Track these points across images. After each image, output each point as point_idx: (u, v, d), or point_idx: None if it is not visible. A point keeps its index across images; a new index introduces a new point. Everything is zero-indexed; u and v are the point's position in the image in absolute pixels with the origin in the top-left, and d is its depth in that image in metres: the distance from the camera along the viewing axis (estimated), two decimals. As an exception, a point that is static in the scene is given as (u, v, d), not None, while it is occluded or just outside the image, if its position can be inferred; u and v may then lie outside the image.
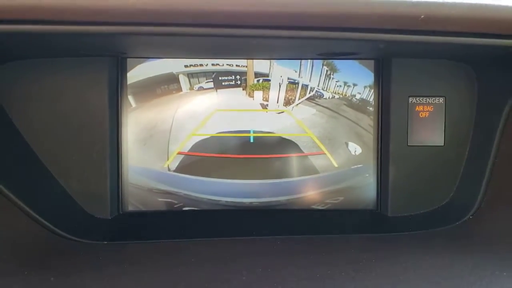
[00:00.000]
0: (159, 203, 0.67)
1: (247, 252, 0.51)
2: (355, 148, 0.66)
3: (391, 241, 0.56)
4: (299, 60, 0.66)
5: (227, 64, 0.66)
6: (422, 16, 0.40)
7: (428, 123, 0.65)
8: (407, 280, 0.43)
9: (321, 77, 0.67)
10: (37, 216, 0.54)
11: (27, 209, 0.54)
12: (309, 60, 0.66)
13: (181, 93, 0.66)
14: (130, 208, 0.66)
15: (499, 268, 0.45)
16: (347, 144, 0.66)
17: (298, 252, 0.51)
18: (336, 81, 0.67)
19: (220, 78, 0.66)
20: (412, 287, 0.42)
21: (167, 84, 0.66)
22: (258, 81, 0.67)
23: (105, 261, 0.49)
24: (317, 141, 0.68)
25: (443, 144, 0.65)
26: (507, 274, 0.44)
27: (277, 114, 0.67)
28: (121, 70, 0.65)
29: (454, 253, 0.50)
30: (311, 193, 0.68)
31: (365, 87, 0.67)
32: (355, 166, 0.67)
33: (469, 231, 0.58)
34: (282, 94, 0.67)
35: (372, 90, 0.67)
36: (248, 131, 0.67)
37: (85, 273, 0.46)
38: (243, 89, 0.67)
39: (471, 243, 0.54)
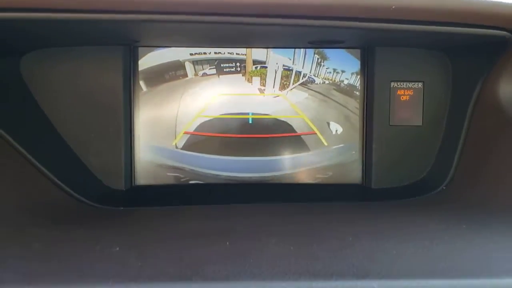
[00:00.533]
0: (168, 177, 0.75)
1: (244, 213, 0.58)
2: (336, 128, 0.74)
3: (372, 206, 0.64)
4: (293, 49, 0.74)
5: (228, 53, 0.74)
6: (393, 7, 0.48)
7: (408, 105, 0.73)
8: (382, 230, 0.51)
9: (313, 65, 0.75)
10: (61, 184, 0.62)
11: (52, 176, 0.62)
12: (302, 49, 0.74)
13: (187, 78, 0.74)
14: (142, 182, 0.74)
15: (458, 223, 0.53)
16: (328, 124, 0.74)
17: (288, 214, 0.58)
18: (326, 68, 0.75)
19: (222, 65, 0.74)
20: (385, 235, 0.50)
21: (174, 71, 0.74)
22: (256, 68, 0.74)
23: (122, 222, 0.57)
24: (309, 122, 0.75)
25: (421, 124, 0.73)
26: (466, 227, 0.52)
27: (273, 98, 0.75)
28: (133, 58, 0.73)
29: (424, 212, 0.58)
30: (303, 169, 0.76)
31: (352, 73, 0.75)
32: (343, 145, 0.75)
33: (441, 198, 0.65)
34: (278, 80, 0.75)
35: (358, 76, 0.75)
36: (247, 113, 0.75)
37: (104, 232, 0.53)
38: (242, 75, 0.74)
39: (441, 206, 0.61)
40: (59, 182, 0.62)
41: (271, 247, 0.44)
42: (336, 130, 0.74)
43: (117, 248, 0.45)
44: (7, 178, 0.58)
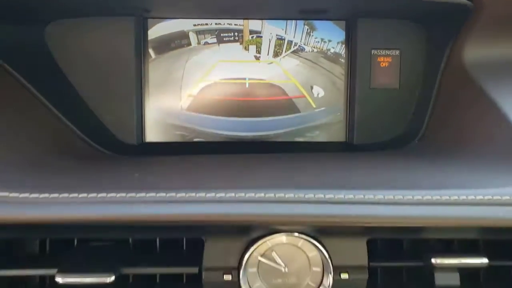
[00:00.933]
0: (174, 135, 0.84)
1: (241, 158, 0.68)
2: (318, 92, 0.83)
3: (353, 155, 0.74)
4: (285, 20, 0.83)
5: (227, 24, 0.83)
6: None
7: (387, 71, 0.83)
8: (357, 166, 0.61)
9: (303, 34, 0.84)
10: (82, 134, 0.72)
11: (74, 128, 0.71)
12: (293, 21, 0.83)
13: (190, 47, 0.83)
14: (151, 138, 0.84)
15: (423, 163, 0.63)
16: (311, 88, 0.84)
17: (278, 158, 0.68)
18: (315, 38, 0.84)
19: (222, 34, 0.83)
20: (359, 169, 0.60)
21: (179, 40, 0.83)
22: (252, 37, 0.84)
23: (138, 163, 0.67)
24: (299, 86, 0.85)
25: (398, 88, 0.83)
26: (429, 165, 0.62)
27: (268, 65, 0.84)
28: (143, 28, 0.82)
29: (395, 158, 0.68)
30: (294, 128, 0.85)
31: (337, 42, 0.84)
32: (329, 107, 0.85)
33: (412, 149, 0.75)
34: (272, 48, 0.84)
35: (343, 45, 0.84)
36: (244, 78, 0.84)
37: (123, 167, 0.63)
38: (240, 44, 0.83)
39: (410, 154, 0.71)
40: (80, 133, 0.72)
41: (262, 173, 0.54)
42: (318, 93, 0.84)
43: (137, 175, 0.54)
44: (37, 127, 0.67)
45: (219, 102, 0.84)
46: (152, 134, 0.84)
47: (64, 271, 0.50)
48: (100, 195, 0.46)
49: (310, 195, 0.46)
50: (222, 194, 0.46)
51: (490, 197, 0.47)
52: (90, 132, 0.74)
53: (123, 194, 0.46)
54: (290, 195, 0.46)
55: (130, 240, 0.57)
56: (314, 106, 0.85)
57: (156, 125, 0.84)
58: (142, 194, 0.46)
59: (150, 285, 0.56)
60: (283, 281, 0.52)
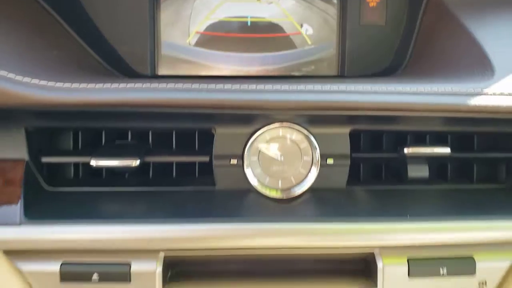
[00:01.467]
0: (183, 69, 0.93)
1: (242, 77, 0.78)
2: (306, 28, 0.92)
3: (344, 79, 0.83)
4: (283, -37, 0.92)
5: (231, -34, 0.92)
6: None
7: (375, 10, 0.91)
8: (344, 79, 0.71)
9: (300, -23, 0.93)
10: (102, 61, 0.81)
11: (93, 53, 0.81)
12: (290, -36, 0.92)
13: (198, -12, 0.92)
14: (163, 72, 0.93)
15: (402, 79, 0.72)
16: (301, 25, 0.92)
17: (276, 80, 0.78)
18: (311, -20, 0.93)
19: (226, -24, 0.92)
20: (347, 81, 0.69)
21: (188, -19, 0.92)
22: (253, -21, 0.92)
23: (153, 81, 0.76)
24: (296, 24, 0.94)
25: (384, 24, 0.91)
26: (411, 80, 0.71)
27: (268, 4, 0.93)
28: (155, -30, 0.91)
29: (379, 80, 0.77)
30: (291, 63, 0.94)
31: (331, -16, 0.93)
32: (322, 43, 0.94)
33: (398, 75, 0.85)
34: (271, -11, 0.93)
35: (336, -14, 0.93)
36: (246, 17, 0.93)
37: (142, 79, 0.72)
38: (243, -15, 0.92)
39: (394, 77, 0.81)
40: (99, 59, 0.81)
41: (265, 82, 0.64)
42: (307, 30, 0.92)
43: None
44: (63, 49, 0.77)
45: (223, 39, 0.93)
46: (164, 68, 0.93)
47: (97, 156, 0.60)
48: (129, 85, 0.55)
49: (301, 86, 0.56)
50: (229, 86, 0.56)
51: (450, 89, 0.56)
52: (108, 61, 0.84)
53: (148, 84, 0.55)
54: (285, 87, 0.56)
55: (150, 139, 0.67)
56: (309, 42, 0.94)
57: (167, 59, 0.93)
58: (164, 84, 0.56)
59: (167, 180, 0.67)
60: (279, 168, 0.62)
